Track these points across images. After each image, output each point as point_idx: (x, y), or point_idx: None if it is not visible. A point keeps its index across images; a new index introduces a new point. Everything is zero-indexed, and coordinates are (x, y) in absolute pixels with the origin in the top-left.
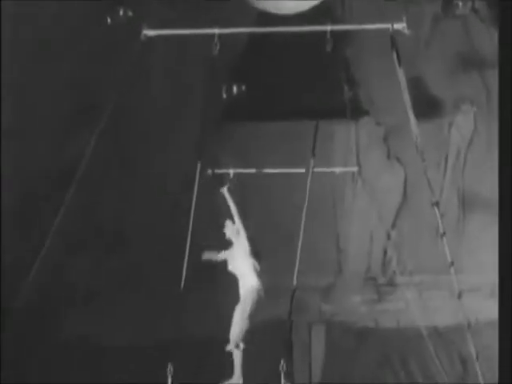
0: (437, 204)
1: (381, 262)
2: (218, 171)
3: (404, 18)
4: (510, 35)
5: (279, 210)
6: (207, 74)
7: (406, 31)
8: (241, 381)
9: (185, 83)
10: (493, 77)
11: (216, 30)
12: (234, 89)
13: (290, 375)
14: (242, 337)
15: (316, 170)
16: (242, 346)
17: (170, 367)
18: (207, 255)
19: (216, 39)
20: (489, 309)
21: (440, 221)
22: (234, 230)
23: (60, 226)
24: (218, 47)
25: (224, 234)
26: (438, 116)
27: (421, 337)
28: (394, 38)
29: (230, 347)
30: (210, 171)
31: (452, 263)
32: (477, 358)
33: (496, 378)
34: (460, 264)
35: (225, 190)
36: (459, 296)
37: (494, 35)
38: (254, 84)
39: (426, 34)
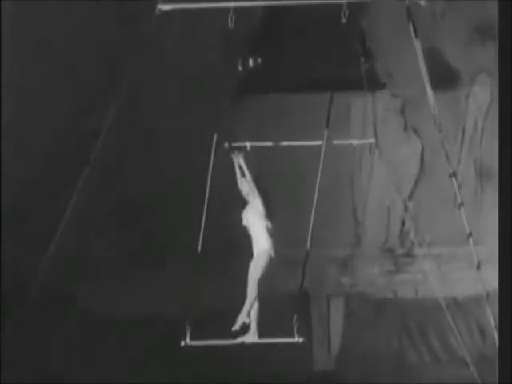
0: (454, 175)
1: (399, 233)
2: (234, 144)
3: None
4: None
5: (296, 183)
6: (223, 48)
7: (423, 2)
8: (256, 337)
9: (201, 57)
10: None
11: (232, 3)
12: (250, 62)
13: (302, 330)
14: (250, 310)
15: (333, 142)
16: (248, 320)
17: (188, 323)
18: (239, 159)
19: (231, 12)
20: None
21: (457, 192)
22: (250, 190)
23: (78, 202)
24: (233, 20)
25: (240, 192)
26: (455, 87)
27: (439, 308)
28: (410, 10)
29: (237, 325)
30: (226, 144)
31: (470, 234)
32: (495, 328)
33: None
34: (478, 235)
35: (241, 159)
36: (478, 267)
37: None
38: (270, 57)
39: (442, 5)
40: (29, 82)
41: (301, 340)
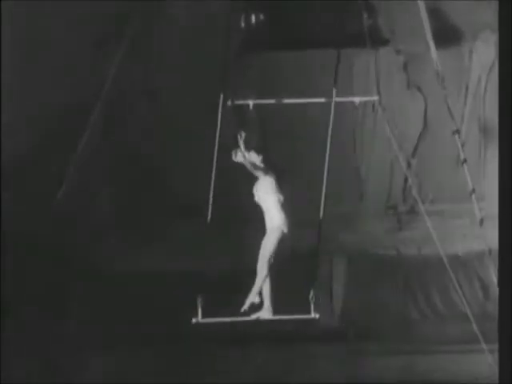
0: (458, 132)
1: (402, 190)
2: (237, 102)
3: None
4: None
5: (299, 142)
6: (226, 5)
7: None
8: (271, 313)
9: (206, 14)
10: None
11: None
12: (253, 18)
13: (319, 306)
14: (261, 288)
15: (336, 99)
16: (258, 299)
17: (199, 299)
18: (238, 157)
19: None
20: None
21: (461, 149)
22: (259, 166)
23: (85, 158)
24: None
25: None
26: (458, 44)
27: (442, 264)
28: None
29: (246, 305)
30: (229, 102)
31: (473, 191)
32: (498, 284)
33: None
34: (481, 192)
35: (240, 158)
36: (480, 223)
37: None
38: (273, 13)
39: None
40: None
41: (317, 316)
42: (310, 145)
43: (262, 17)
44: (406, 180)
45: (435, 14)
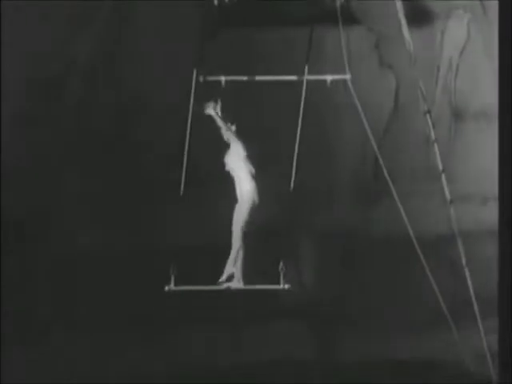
0: (429, 112)
1: (372, 170)
2: (209, 78)
3: None
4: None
5: (271, 119)
6: None
7: None
8: (241, 283)
9: None
10: None
11: None
12: None
13: (289, 276)
14: (236, 259)
15: (307, 77)
16: (234, 269)
17: (172, 268)
18: (209, 110)
19: None
20: (480, 217)
21: (432, 129)
22: (229, 136)
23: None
24: None
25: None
26: (430, 23)
27: (411, 244)
28: None
29: (223, 276)
30: (201, 78)
31: (443, 171)
32: (465, 265)
33: (484, 284)
34: (451, 173)
35: (211, 111)
36: (450, 203)
37: None
38: None
39: None
40: None
41: (287, 287)
42: (282, 121)
43: None
44: (376, 159)
45: None
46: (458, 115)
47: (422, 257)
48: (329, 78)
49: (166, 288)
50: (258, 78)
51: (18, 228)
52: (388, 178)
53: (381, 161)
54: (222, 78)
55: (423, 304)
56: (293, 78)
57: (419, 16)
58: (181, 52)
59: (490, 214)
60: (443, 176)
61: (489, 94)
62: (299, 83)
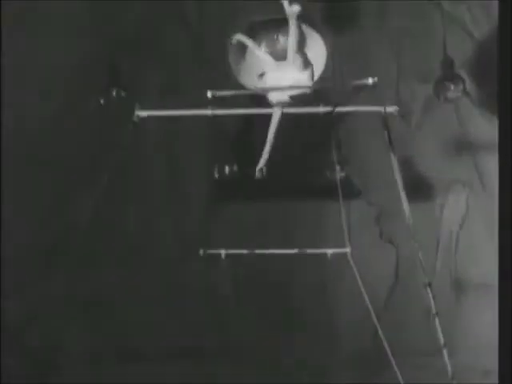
0: (429, 285)
1: (372, 342)
2: (209, 251)
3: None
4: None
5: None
6: (200, 155)
7: (398, 113)
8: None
9: (178, 162)
10: (485, 160)
11: (209, 111)
12: (226, 169)
13: None
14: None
15: (307, 251)
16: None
17: None
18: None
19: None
20: None
21: (432, 302)
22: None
23: None
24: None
25: None
26: (430, 198)
27: None
28: (386, 120)
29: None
30: (201, 251)
31: (444, 345)
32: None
33: None
34: (452, 345)
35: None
36: (452, 379)
37: (485, 118)
38: (246, 163)
39: (417, 115)
40: None
41: None
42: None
43: (235, 168)
44: (376, 333)
45: (408, 167)
46: (459, 288)
47: None
48: (329, 251)
49: None
50: (258, 251)
51: None
52: (388, 350)
53: (381, 334)
54: (222, 251)
55: None
56: (293, 251)
57: (419, 190)
58: (183, 224)
59: None
60: (445, 350)
61: (488, 265)
62: (299, 256)
